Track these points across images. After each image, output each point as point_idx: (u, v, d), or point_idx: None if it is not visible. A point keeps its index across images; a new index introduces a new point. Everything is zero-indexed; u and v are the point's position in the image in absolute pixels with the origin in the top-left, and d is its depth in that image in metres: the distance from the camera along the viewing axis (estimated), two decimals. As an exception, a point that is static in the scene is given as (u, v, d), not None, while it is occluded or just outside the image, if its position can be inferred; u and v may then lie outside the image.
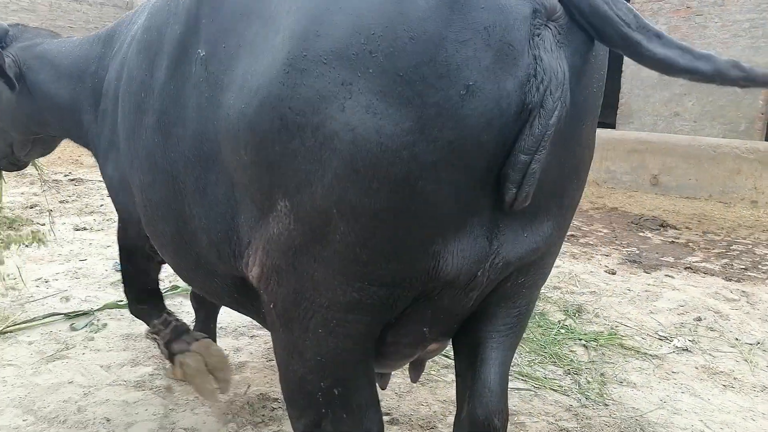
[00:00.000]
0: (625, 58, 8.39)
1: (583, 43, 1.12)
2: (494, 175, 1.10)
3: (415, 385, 2.70)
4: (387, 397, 2.59)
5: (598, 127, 1.39)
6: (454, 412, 1.46)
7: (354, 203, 1.06)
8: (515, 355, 3.04)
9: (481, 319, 1.37)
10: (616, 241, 5.49)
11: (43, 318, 3.23)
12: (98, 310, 3.34)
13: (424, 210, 1.08)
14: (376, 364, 1.37)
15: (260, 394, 2.58)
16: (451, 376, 2.80)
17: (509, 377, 1.46)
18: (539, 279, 1.39)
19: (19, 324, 3.15)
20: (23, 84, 2.31)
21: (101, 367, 2.78)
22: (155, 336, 2.29)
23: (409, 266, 1.14)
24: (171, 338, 2.23)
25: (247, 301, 1.47)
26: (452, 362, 2.92)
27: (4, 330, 3.07)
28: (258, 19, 1.19)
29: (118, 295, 3.66)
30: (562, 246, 1.53)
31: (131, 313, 2.41)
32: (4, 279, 3.56)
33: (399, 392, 2.66)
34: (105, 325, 3.23)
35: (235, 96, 1.19)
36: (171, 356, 2.24)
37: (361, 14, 1.03)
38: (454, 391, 1.51)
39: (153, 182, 1.52)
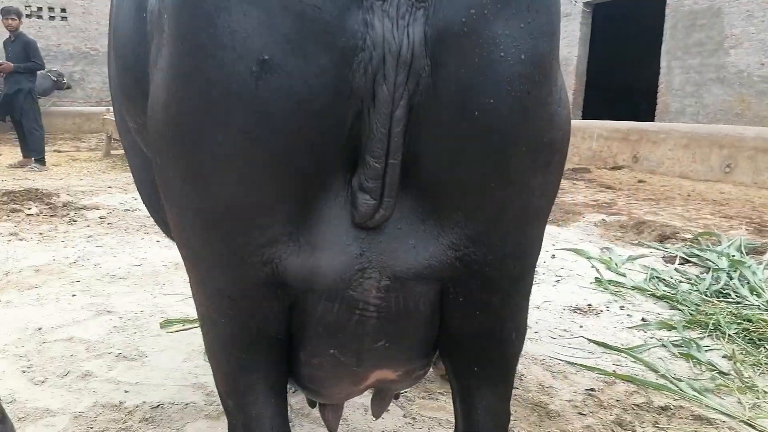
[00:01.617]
0: None
1: None
2: (334, 178, 0.98)
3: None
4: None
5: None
6: None
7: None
8: None
9: (447, 351, 1.24)
10: None
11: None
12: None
13: (231, 210, 0.98)
14: (313, 393, 1.31)
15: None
16: None
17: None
18: (492, 308, 1.15)
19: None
20: None
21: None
22: None
23: (237, 273, 1.05)
24: None
25: None
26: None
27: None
28: None
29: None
30: None
31: None
32: None
33: (683, 463, 2.04)
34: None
35: None
36: None
37: None
38: None
39: None
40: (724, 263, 4.20)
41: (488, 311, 1.13)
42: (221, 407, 2.36)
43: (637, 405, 2.44)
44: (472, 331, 1.15)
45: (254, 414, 1.19)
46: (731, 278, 3.87)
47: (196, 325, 3.06)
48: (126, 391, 2.40)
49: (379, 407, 1.63)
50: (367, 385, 1.29)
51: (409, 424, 2.25)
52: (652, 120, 10.73)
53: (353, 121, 0.92)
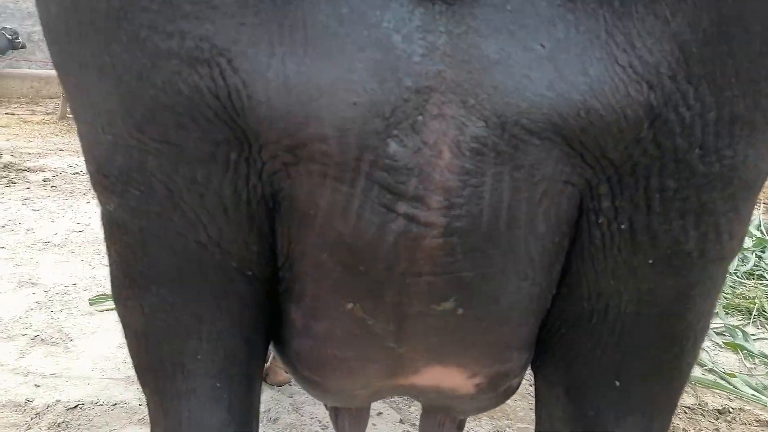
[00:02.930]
0: None
1: None
2: None
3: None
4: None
5: None
6: None
7: None
8: None
9: (561, 345, 0.69)
10: None
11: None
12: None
13: None
14: (316, 387, 0.74)
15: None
16: None
17: None
18: (681, 254, 0.58)
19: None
20: None
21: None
22: None
23: (134, 75, 0.52)
24: None
25: None
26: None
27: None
28: None
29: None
30: None
31: None
32: None
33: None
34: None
35: None
36: None
37: None
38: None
39: None
40: (747, 243, 3.78)
41: (669, 260, 0.59)
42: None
43: (689, 407, 1.97)
44: (626, 304, 0.62)
45: (185, 418, 0.66)
46: (761, 258, 3.44)
47: (141, 301, 2.49)
48: (37, 386, 1.83)
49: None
50: (411, 387, 0.73)
51: (409, 432, 1.73)
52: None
53: None
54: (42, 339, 2.13)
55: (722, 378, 2.14)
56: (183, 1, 0.49)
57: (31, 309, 2.37)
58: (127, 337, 0.70)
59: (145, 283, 0.63)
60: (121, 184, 0.58)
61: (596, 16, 0.49)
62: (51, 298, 2.48)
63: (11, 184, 4.60)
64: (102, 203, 0.63)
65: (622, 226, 0.57)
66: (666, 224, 0.57)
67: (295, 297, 0.65)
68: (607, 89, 0.50)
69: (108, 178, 0.59)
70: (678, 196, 0.55)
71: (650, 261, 0.59)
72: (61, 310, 2.37)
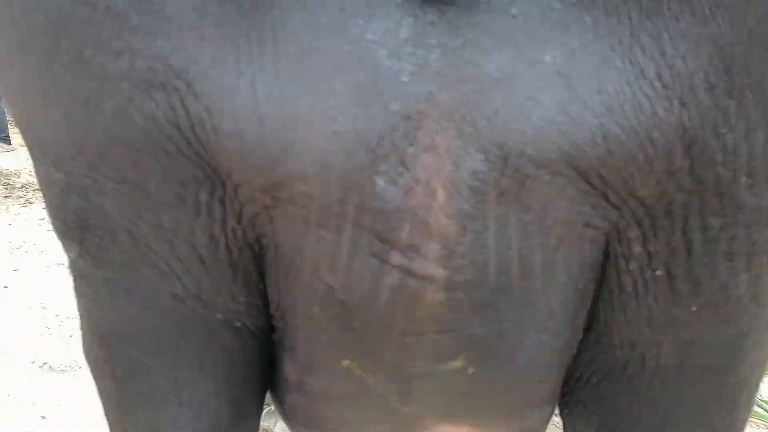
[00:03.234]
0: None
1: None
2: None
3: None
4: None
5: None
6: None
7: None
8: None
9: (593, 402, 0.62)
10: None
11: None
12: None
13: None
14: None
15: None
16: None
17: None
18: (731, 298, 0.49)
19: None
20: None
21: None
22: None
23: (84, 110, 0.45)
24: None
25: None
26: None
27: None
28: None
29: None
30: None
31: None
32: None
33: None
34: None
35: None
36: None
37: None
38: None
39: None
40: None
41: (716, 308, 0.51)
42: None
43: (725, 439, 1.86)
44: (666, 355, 0.54)
45: None
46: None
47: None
48: (43, 417, 1.78)
49: None
50: None
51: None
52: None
53: None
54: (50, 366, 2.09)
55: (759, 406, 2.02)
56: (131, 12, 0.41)
57: (40, 335, 2.33)
58: (100, 399, 0.64)
59: (115, 344, 0.56)
60: (78, 230, 0.51)
61: (619, 15, 0.41)
62: (61, 323, 2.44)
63: (28, 204, 4.63)
64: (65, 250, 0.57)
65: (658, 273, 0.50)
66: (710, 268, 0.49)
67: (288, 349, 0.58)
68: (627, 108, 0.42)
69: (64, 222, 0.52)
70: (724, 235, 0.47)
71: (693, 309, 0.51)
72: (71, 336, 2.33)
